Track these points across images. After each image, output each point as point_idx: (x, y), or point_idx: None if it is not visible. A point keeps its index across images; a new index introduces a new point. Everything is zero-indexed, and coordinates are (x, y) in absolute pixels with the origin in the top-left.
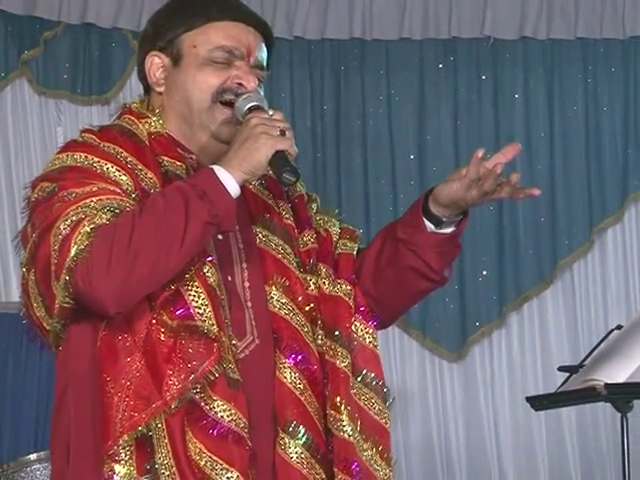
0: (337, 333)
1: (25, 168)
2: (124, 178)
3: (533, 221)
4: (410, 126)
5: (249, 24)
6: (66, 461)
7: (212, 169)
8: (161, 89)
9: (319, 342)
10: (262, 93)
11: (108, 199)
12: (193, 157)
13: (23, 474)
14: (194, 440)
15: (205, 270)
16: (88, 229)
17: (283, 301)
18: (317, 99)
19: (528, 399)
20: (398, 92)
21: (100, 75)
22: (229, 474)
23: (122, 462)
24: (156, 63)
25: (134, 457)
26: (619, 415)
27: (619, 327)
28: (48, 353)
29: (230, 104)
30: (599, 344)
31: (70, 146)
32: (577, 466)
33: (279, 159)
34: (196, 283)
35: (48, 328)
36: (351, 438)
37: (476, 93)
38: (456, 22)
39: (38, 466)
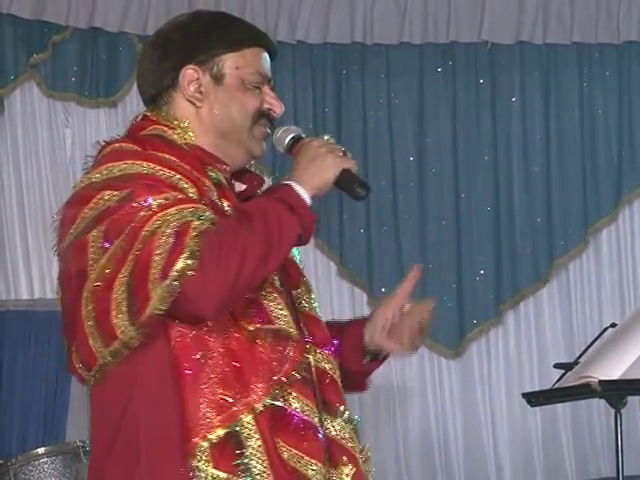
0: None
1: (34, 170)
2: (187, 186)
3: (529, 221)
4: (410, 129)
5: (270, 51)
6: (136, 462)
7: (291, 185)
8: (201, 104)
9: None
10: None
11: (194, 207)
12: (227, 168)
13: (31, 467)
14: (278, 435)
15: (273, 276)
16: (195, 234)
17: (309, 303)
18: (319, 102)
19: (524, 395)
20: (398, 95)
21: (107, 78)
22: (313, 466)
23: (200, 459)
24: (191, 76)
25: (213, 454)
26: (613, 411)
27: (613, 325)
28: (56, 351)
29: (263, 125)
30: (594, 342)
31: (121, 154)
32: (572, 461)
33: (347, 176)
34: (269, 289)
35: (120, 336)
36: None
37: (474, 97)
38: (454, 27)
39: (46, 459)
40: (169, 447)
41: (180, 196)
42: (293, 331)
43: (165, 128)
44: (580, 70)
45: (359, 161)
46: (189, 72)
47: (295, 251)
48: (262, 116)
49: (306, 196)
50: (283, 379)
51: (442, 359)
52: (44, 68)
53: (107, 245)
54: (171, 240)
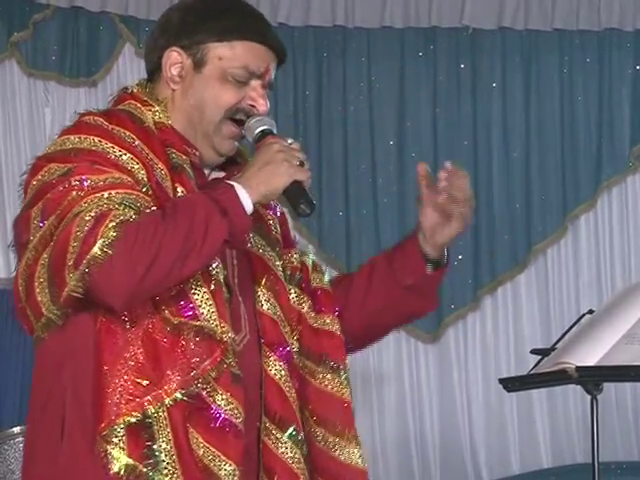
0: (336, 365)
1: (13, 147)
2: (137, 167)
3: (508, 207)
4: (390, 113)
5: (272, 48)
6: (59, 437)
7: (233, 187)
8: (176, 87)
9: (297, 361)
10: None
11: (126, 193)
12: (197, 153)
13: (7, 446)
14: (193, 430)
15: (212, 267)
16: (114, 223)
17: (270, 302)
18: (300, 85)
19: (500, 381)
20: (379, 79)
21: (88, 57)
22: (227, 466)
23: (115, 445)
24: (175, 58)
25: (128, 442)
26: (589, 398)
27: (591, 312)
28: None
29: (239, 122)
30: (571, 328)
31: (81, 127)
32: (547, 446)
33: (296, 189)
34: (200, 283)
35: (45, 313)
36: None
37: (455, 81)
38: (436, 11)
39: (21, 439)
40: (86, 428)
41: (119, 178)
42: (219, 330)
43: (139, 105)
44: (561, 56)
45: (339, 144)
46: (173, 54)
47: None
48: (238, 112)
49: (247, 201)
50: (200, 376)
51: (419, 344)
52: (25, 47)
53: (41, 225)
54: (88, 227)
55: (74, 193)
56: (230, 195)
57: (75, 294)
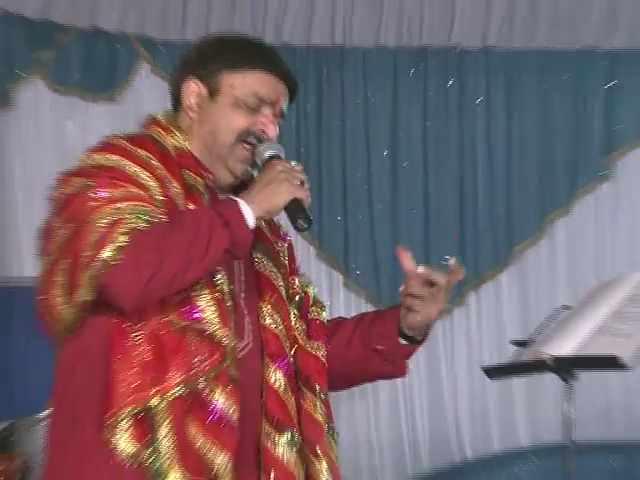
0: (318, 388)
1: (39, 158)
2: (152, 184)
3: (491, 211)
4: (384, 125)
5: (283, 79)
6: (73, 424)
7: (237, 202)
8: (194, 115)
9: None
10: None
11: (139, 205)
12: (211, 176)
13: (37, 429)
14: (191, 423)
15: (217, 278)
16: (124, 230)
17: (273, 317)
18: (301, 100)
19: (484, 369)
20: (374, 95)
21: (107, 75)
22: (221, 456)
23: (120, 432)
24: (193, 88)
25: (132, 431)
26: (565, 385)
27: (565, 307)
28: None
29: (251, 146)
30: (547, 321)
31: (105, 147)
32: (526, 429)
33: (296, 206)
34: (205, 291)
35: (62, 315)
36: None
37: (443, 97)
38: (426, 32)
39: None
40: (95, 418)
41: (135, 192)
42: (220, 333)
43: (162, 130)
44: (540, 74)
45: (337, 154)
46: (191, 84)
47: (312, 292)
48: (250, 135)
49: (249, 215)
50: (200, 375)
51: None
52: (50, 65)
53: (64, 232)
54: (101, 233)
55: (91, 204)
56: (233, 209)
57: (88, 296)
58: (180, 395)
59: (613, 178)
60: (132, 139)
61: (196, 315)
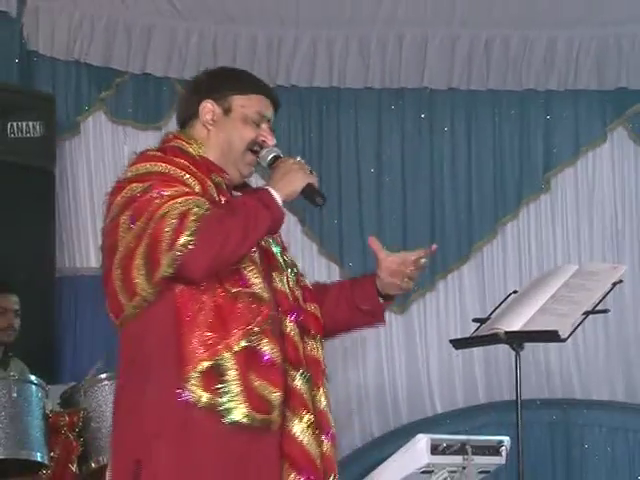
0: (319, 337)
1: (101, 175)
2: (194, 183)
3: (455, 217)
4: (371, 149)
5: (273, 100)
6: (146, 382)
7: (268, 189)
8: (211, 128)
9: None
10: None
11: (195, 198)
12: (227, 176)
13: (96, 388)
14: (250, 369)
15: (254, 254)
16: (193, 219)
17: (282, 282)
18: (306, 129)
19: (451, 341)
20: (363, 125)
21: (154, 109)
22: (275, 393)
23: (197, 384)
24: (209, 108)
25: (204, 381)
26: (514, 354)
27: (515, 292)
28: None
29: (255, 152)
30: (501, 303)
31: (147, 158)
32: (483, 389)
33: (311, 188)
34: (249, 263)
35: (140, 293)
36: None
37: (417, 127)
38: (404, 76)
39: (107, 382)
40: (170, 372)
41: (187, 190)
42: (265, 295)
43: (184, 142)
44: (493, 109)
45: (334, 172)
46: (207, 105)
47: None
48: (255, 144)
49: (279, 199)
50: (256, 329)
51: (392, 314)
52: (109, 101)
53: (132, 226)
54: (176, 221)
55: (157, 201)
56: (268, 195)
57: (167, 273)
58: (242, 347)
59: (551, 190)
60: (164, 150)
61: (245, 282)
